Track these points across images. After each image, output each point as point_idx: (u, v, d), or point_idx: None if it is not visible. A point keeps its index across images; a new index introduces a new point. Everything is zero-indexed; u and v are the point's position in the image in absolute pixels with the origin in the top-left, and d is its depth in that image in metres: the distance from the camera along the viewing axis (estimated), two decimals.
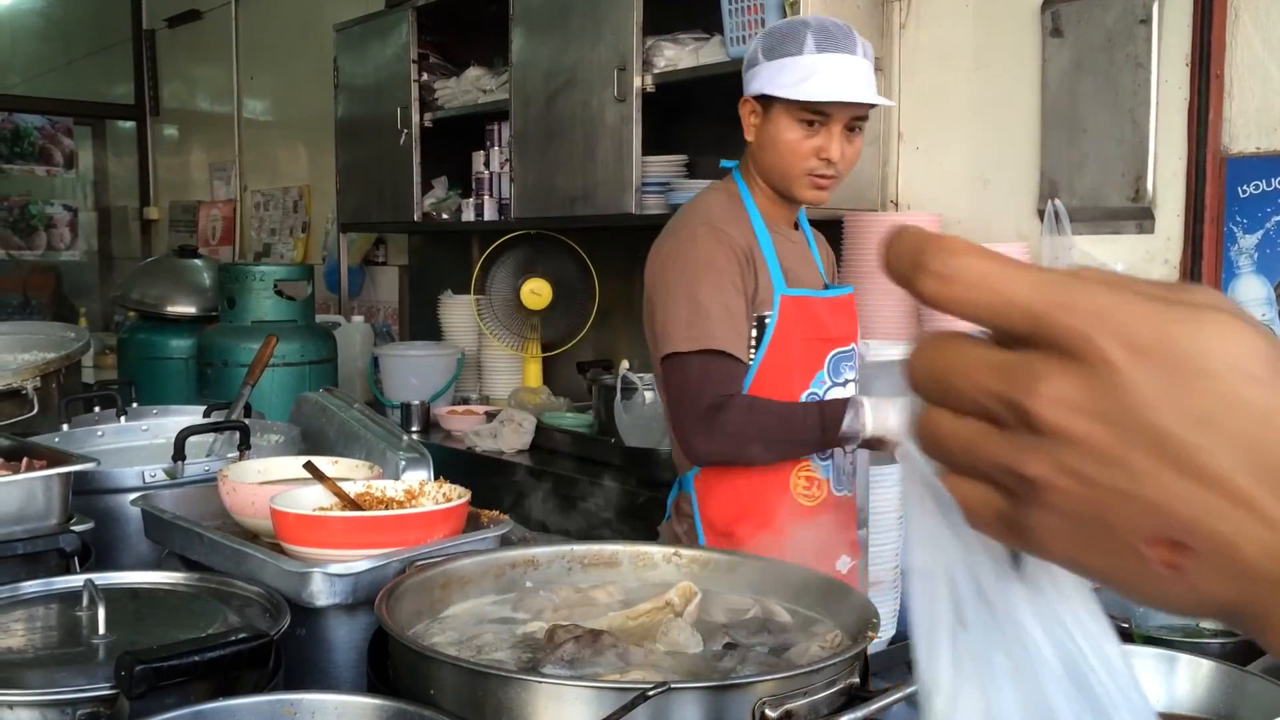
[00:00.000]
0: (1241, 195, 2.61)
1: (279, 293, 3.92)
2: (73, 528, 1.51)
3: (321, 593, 1.25)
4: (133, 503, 1.60)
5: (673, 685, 0.95)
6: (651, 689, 0.93)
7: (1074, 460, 0.40)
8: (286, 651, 1.17)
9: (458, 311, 4.44)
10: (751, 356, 2.04)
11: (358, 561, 1.27)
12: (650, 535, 2.32)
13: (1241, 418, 0.38)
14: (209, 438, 1.92)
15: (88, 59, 7.74)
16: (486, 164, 4.17)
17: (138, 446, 2.08)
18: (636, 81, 3.36)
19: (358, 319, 4.86)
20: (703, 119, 3.56)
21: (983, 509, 0.44)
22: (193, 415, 2.19)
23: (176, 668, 1.02)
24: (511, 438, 3.62)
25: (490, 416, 3.85)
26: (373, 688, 1.12)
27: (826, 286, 2.19)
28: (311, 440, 1.96)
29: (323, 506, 1.43)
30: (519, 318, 4.13)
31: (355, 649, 1.29)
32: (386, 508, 1.45)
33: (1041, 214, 2.92)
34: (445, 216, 4.38)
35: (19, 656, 1.12)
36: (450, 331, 4.50)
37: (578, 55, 3.57)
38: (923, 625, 0.50)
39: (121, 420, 2.22)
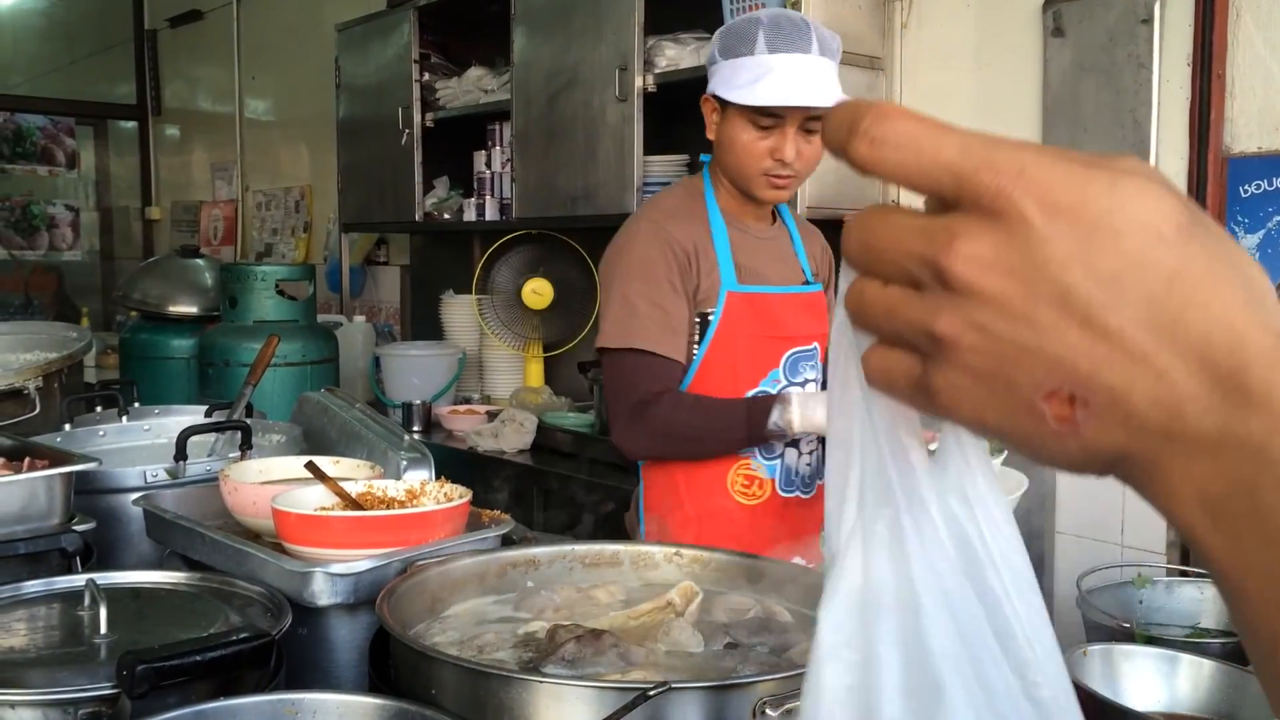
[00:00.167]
0: (1243, 195, 2.61)
1: (280, 293, 3.92)
2: (74, 527, 1.51)
3: (323, 592, 1.26)
4: (134, 502, 1.60)
5: (674, 685, 0.95)
6: (652, 689, 0.93)
7: (982, 315, 0.40)
8: (288, 651, 1.17)
9: (459, 311, 4.44)
10: (694, 353, 2.03)
11: (359, 561, 1.27)
12: None
13: (1146, 276, 0.39)
14: (210, 437, 1.93)
15: (90, 59, 7.75)
16: (488, 164, 4.17)
17: (139, 446, 2.08)
18: (638, 81, 3.36)
19: (359, 319, 4.86)
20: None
21: (898, 375, 0.44)
22: (194, 415, 2.20)
23: (178, 667, 1.02)
24: (513, 438, 3.62)
25: (491, 416, 3.85)
26: (374, 687, 1.13)
27: (807, 284, 2.16)
28: (313, 440, 1.97)
29: (324, 506, 1.44)
30: (520, 317, 4.13)
31: (356, 649, 1.29)
32: (388, 507, 1.45)
33: None
34: (447, 216, 4.38)
35: (21, 656, 1.13)
36: (452, 331, 4.50)
37: (579, 55, 3.57)
38: (833, 494, 0.51)
39: (123, 420, 2.22)
